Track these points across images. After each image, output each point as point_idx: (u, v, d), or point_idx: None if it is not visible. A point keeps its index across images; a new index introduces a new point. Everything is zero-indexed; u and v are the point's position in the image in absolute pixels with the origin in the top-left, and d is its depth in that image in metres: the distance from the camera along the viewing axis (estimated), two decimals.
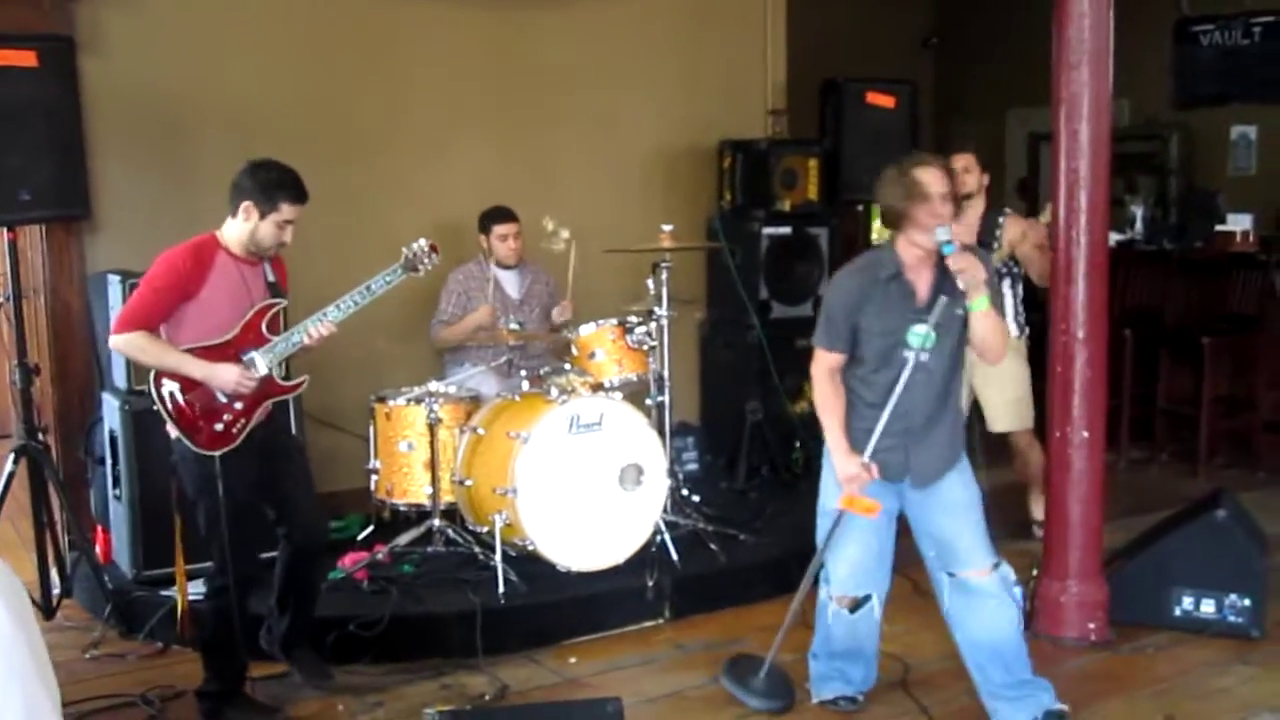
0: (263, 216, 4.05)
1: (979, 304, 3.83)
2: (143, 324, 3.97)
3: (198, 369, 4.00)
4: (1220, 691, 4.41)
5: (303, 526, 4.35)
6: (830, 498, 4.10)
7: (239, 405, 4.07)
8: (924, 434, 3.97)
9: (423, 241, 4.35)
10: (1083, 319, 4.76)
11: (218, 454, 4.01)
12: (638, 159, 7.16)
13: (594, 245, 5.99)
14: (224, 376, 4.02)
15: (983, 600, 3.98)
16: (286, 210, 4.06)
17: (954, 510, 4.00)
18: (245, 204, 4.05)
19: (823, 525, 4.15)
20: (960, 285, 3.81)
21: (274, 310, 4.17)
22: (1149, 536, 5.26)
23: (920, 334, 3.85)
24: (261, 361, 4.09)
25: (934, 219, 3.80)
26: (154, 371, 4.01)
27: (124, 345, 4.02)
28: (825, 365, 4.06)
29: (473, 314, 5.94)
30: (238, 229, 4.08)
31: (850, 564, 4.12)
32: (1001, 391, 5.73)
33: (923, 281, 3.93)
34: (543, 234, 5.86)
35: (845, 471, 3.97)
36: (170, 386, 4.00)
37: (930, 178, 3.83)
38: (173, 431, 4.08)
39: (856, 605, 4.15)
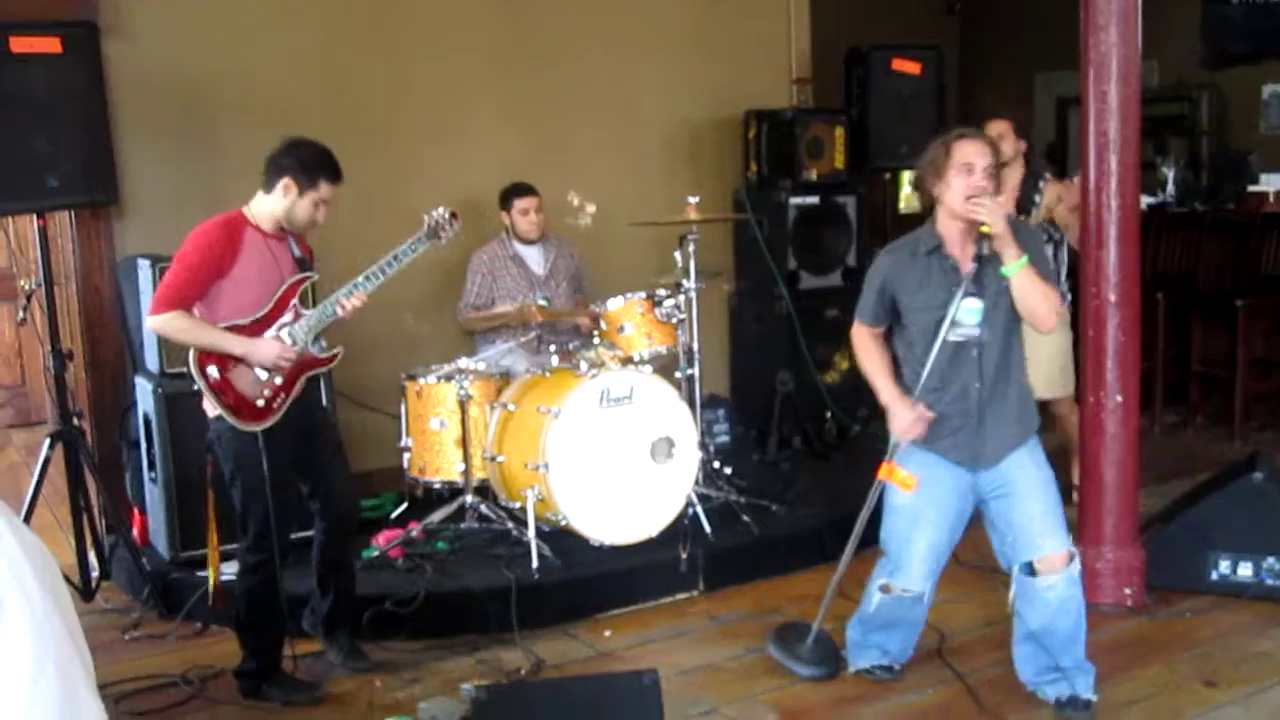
0: (301, 194, 4.06)
1: (1012, 267, 3.78)
2: (179, 303, 3.98)
3: (238, 345, 4.02)
4: (1260, 655, 4.38)
5: (336, 504, 4.37)
6: (899, 492, 4.03)
7: (279, 380, 4.10)
8: (990, 408, 3.90)
9: (443, 209, 4.37)
10: (1115, 282, 4.72)
11: (260, 429, 4.04)
12: (661, 131, 7.13)
13: (619, 219, 5.99)
14: (265, 352, 4.04)
15: (1052, 597, 3.90)
16: (325, 189, 4.08)
17: (1028, 491, 3.92)
18: (285, 180, 4.05)
19: (893, 522, 4.07)
20: (990, 243, 3.77)
21: (305, 284, 4.20)
22: (1185, 500, 5.23)
23: (970, 309, 3.81)
24: (299, 335, 4.12)
25: (975, 191, 3.76)
26: (193, 351, 4.02)
27: (163, 325, 4.02)
28: (862, 333, 4.10)
29: (498, 306, 5.94)
30: (271, 204, 4.09)
31: (920, 559, 4.03)
32: (1045, 359, 5.65)
33: (966, 255, 3.88)
34: (568, 209, 5.86)
35: (900, 420, 3.92)
36: (210, 364, 4.02)
37: (972, 151, 3.79)
38: (211, 410, 4.10)
39: (915, 597, 4.12)
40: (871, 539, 4.25)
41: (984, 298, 3.82)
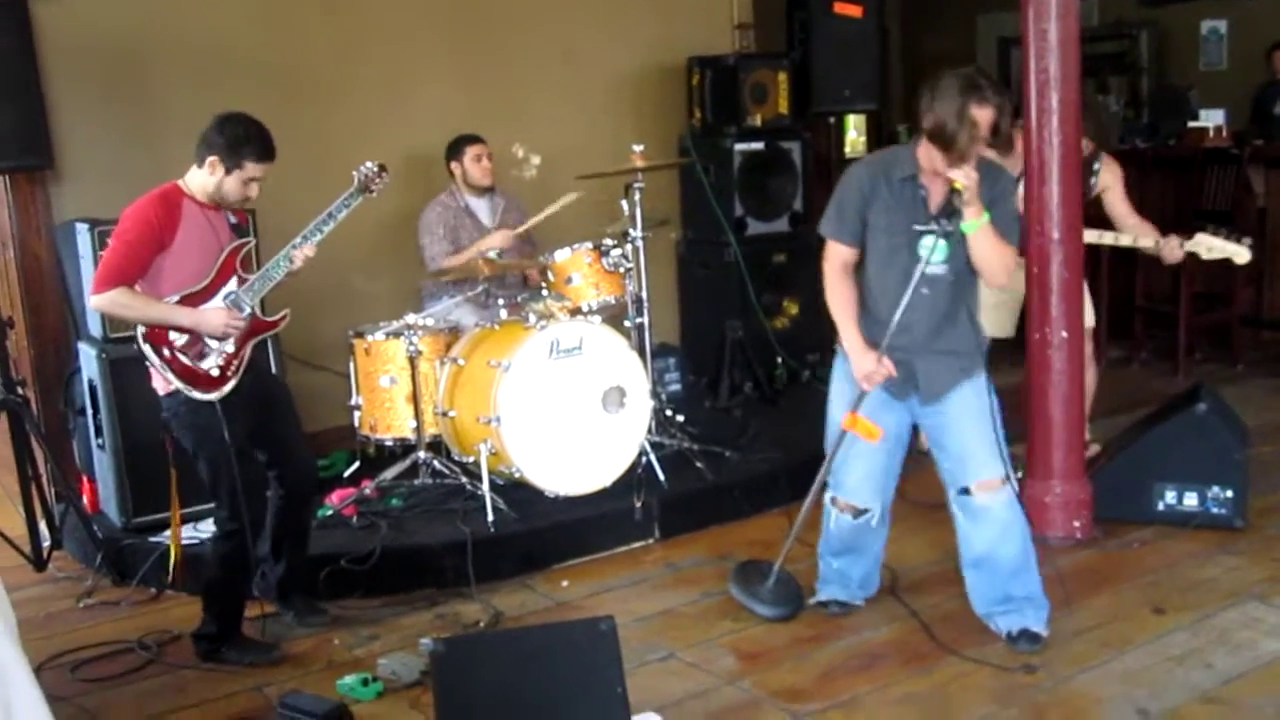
0: (228, 172, 4.01)
1: (970, 225, 3.74)
2: (121, 279, 3.92)
3: (185, 317, 3.99)
4: (1207, 581, 4.47)
5: (295, 469, 4.36)
6: (839, 409, 4.07)
7: (230, 348, 4.08)
8: (928, 346, 3.92)
9: (371, 163, 4.33)
10: (1058, 219, 4.76)
11: (217, 398, 4.01)
12: (604, 81, 7.09)
13: (565, 169, 5.95)
14: (213, 320, 4.02)
15: (988, 521, 3.97)
16: (251, 168, 4.03)
17: (965, 419, 3.96)
18: (211, 158, 4.01)
19: (831, 434, 4.13)
20: (959, 199, 3.72)
21: (245, 249, 4.18)
22: (1131, 434, 5.30)
23: (928, 246, 3.80)
24: (245, 300, 4.10)
25: (969, 154, 3.69)
26: (140, 328, 3.98)
27: (107, 304, 3.97)
28: (836, 259, 4.00)
29: (487, 238, 5.88)
30: (201, 180, 4.05)
31: (858, 475, 4.13)
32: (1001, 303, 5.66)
33: (937, 189, 3.85)
34: (513, 161, 5.82)
35: (862, 368, 3.92)
36: (160, 339, 3.98)
37: (985, 117, 3.67)
38: (161, 387, 4.07)
39: (858, 514, 4.19)
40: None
41: (950, 238, 3.81)
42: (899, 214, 3.87)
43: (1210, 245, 5.02)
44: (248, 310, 4.10)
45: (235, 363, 4.09)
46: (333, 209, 4.22)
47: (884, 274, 3.91)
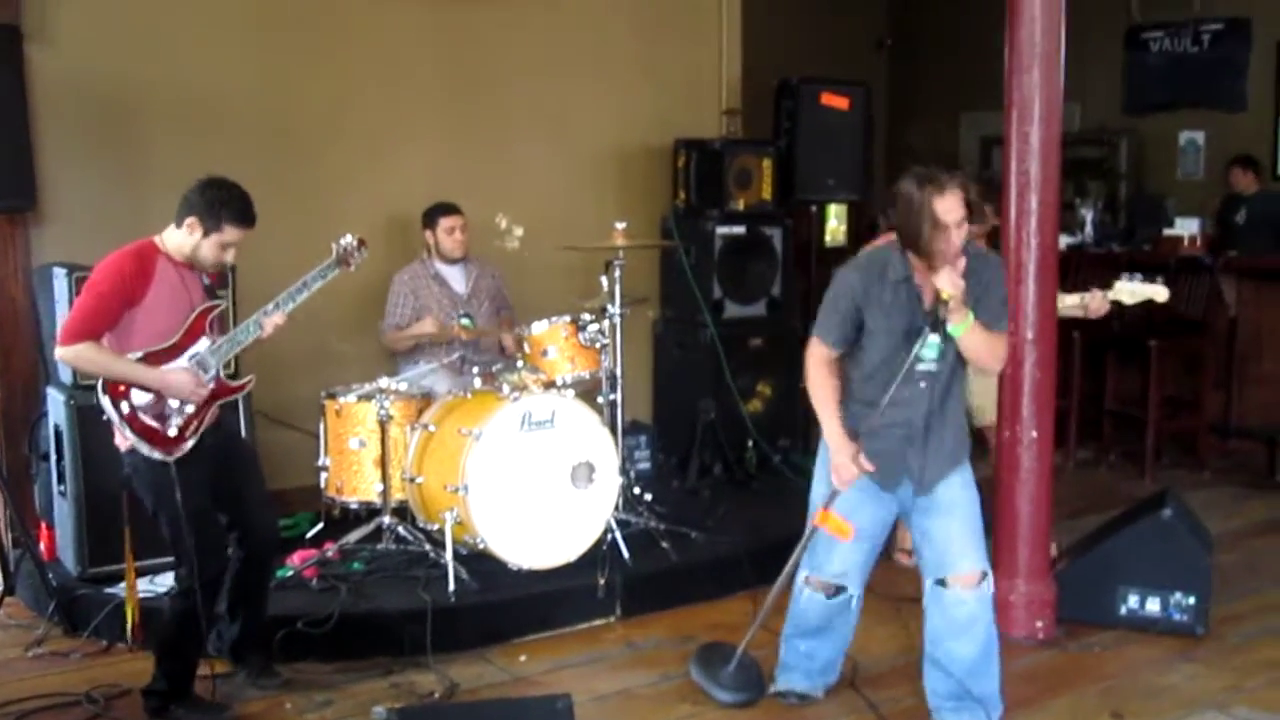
0: (205, 235, 4.01)
1: (959, 329, 3.77)
2: (88, 333, 3.90)
3: (152, 378, 3.97)
4: (1166, 689, 4.46)
5: (256, 531, 4.32)
6: (820, 497, 4.08)
7: (189, 409, 4.05)
8: (925, 438, 3.94)
9: (350, 237, 4.33)
10: (1032, 320, 4.80)
11: (173, 459, 3.98)
12: (591, 156, 7.15)
13: (547, 242, 5.99)
14: (179, 382, 4.00)
15: (960, 613, 3.96)
16: (230, 233, 4.02)
17: (950, 510, 3.97)
18: (190, 219, 4.01)
19: (811, 520, 4.13)
20: (943, 313, 3.74)
21: (215, 311, 4.16)
22: (1096, 536, 5.32)
23: (934, 343, 3.83)
24: (211, 362, 4.08)
25: (949, 247, 3.71)
26: (102, 381, 3.96)
27: (72, 357, 3.94)
28: (820, 356, 4.02)
29: (419, 323, 5.91)
30: (179, 240, 4.04)
31: (841, 558, 4.12)
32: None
33: (929, 289, 3.87)
34: (495, 231, 5.85)
35: (841, 462, 3.93)
36: (120, 395, 3.95)
37: (947, 207, 3.69)
38: (123, 443, 4.04)
39: (836, 593, 4.18)
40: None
41: (941, 334, 3.83)
42: (898, 315, 3.89)
43: (1132, 290, 5.10)
44: (212, 372, 4.08)
45: (195, 424, 4.06)
46: (308, 278, 4.22)
47: (884, 370, 3.91)
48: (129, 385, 3.95)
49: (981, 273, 3.87)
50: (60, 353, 3.97)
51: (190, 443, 4.03)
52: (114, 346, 3.96)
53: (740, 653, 4.31)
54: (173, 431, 4.01)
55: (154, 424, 3.99)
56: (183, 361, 4.04)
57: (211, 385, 4.08)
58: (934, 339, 3.82)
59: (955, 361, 3.94)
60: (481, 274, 6.15)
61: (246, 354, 4.23)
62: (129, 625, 4.60)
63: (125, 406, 3.96)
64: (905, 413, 3.90)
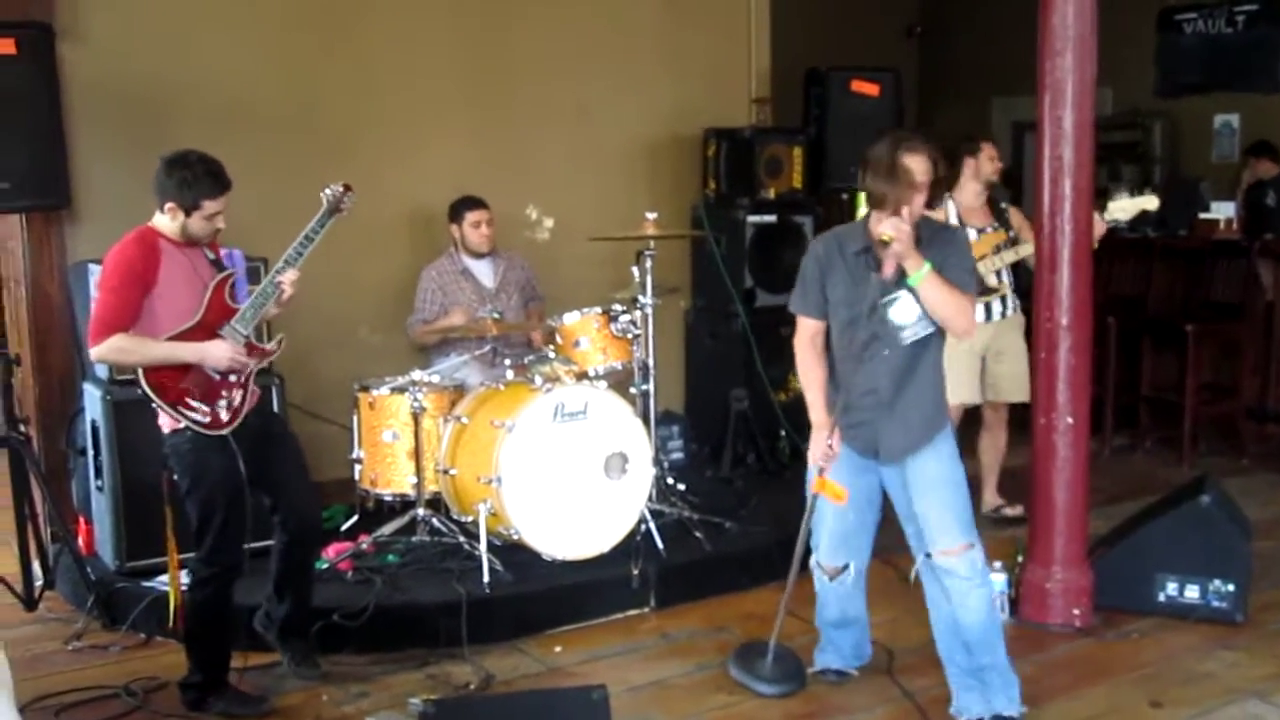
0: (187, 214, 4.02)
1: (915, 278, 3.79)
2: (116, 326, 3.91)
3: (189, 352, 3.99)
4: (1205, 676, 4.42)
5: (299, 512, 4.34)
6: (810, 473, 4.15)
7: (234, 378, 4.09)
8: (892, 407, 3.96)
9: (337, 185, 4.33)
10: (1067, 306, 4.76)
11: (227, 433, 4.02)
12: (621, 147, 7.14)
13: (578, 233, 5.99)
14: (217, 353, 4.03)
15: (951, 583, 3.96)
16: (209, 205, 4.03)
17: (926, 487, 3.99)
18: (169, 205, 4.02)
19: (808, 499, 4.19)
20: (893, 260, 3.77)
21: (231, 280, 4.18)
22: (1133, 522, 5.27)
23: (906, 307, 3.86)
24: (240, 330, 4.11)
25: (898, 209, 3.77)
26: (140, 372, 3.97)
27: (107, 352, 3.95)
28: (804, 333, 4.10)
29: (447, 317, 5.92)
30: (166, 223, 4.06)
31: (829, 534, 4.20)
32: (1019, 363, 5.85)
33: (890, 259, 3.85)
34: (526, 223, 5.85)
35: (815, 445, 4.05)
36: (164, 379, 3.97)
37: (917, 165, 3.79)
38: (168, 424, 4.06)
39: (837, 573, 4.23)
40: None
41: (901, 289, 3.86)
42: (857, 286, 3.92)
43: (1124, 207, 5.30)
44: (243, 340, 4.11)
45: (240, 393, 4.10)
46: (309, 230, 4.22)
47: (844, 343, 3.97)
48: (170, 367, 3.97)
49: (944, 244, 3.89)
50: (94, 352, 3.97)
51: (244, 414, 4.08)
52: (147, 333, 3.98)
53: (773, 645, 4.30)
54: (223, 405, 4.05)
55: (203, 401, 4.02)
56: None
57: (246, 355, 4.10)
58: (894, 306, 3.85)
59: (923, 332, 3.93)
60: (510, 266, 6.15)
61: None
62: (172, 612, 4.59)
63: (171, 389, 3.98)
64: (872, 382, 3.94)
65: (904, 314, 3.88)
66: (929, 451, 3.99)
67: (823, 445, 4.00)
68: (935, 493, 3.98)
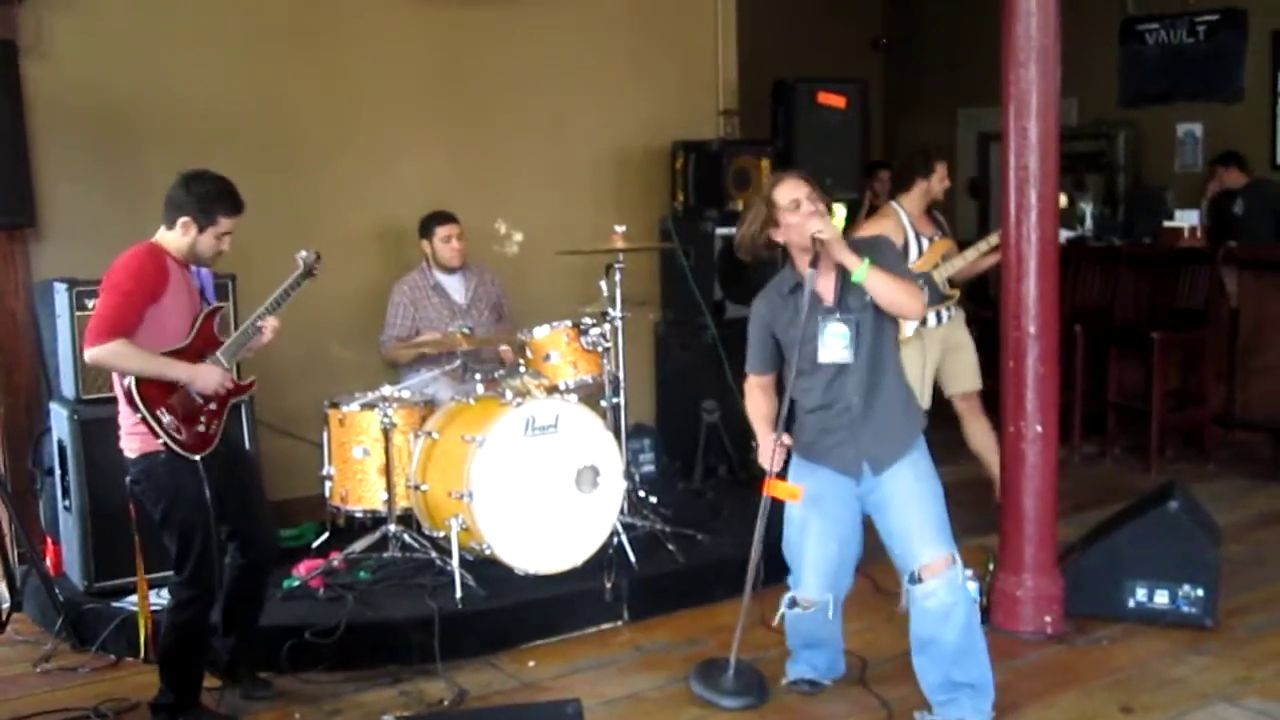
0: (201, 230, 4.03)
1: (859, 272, 3.91)
2: (121, 330, 3.86)
3: (182, 371, 3.98)
4: (1175, 681, 4.45)
5: (258, 539, 4.32)
6: (792, 507, 4.17)
7: (213, 405, 4.08)
8: (866, 418, 4.03)
9: (309, 251, 4.42)
10: (1034, 315, 4.79)
11: (200, 457, 4.00)
12: (589, 160, 7.15)
13: (546, 247, 5.99)
14: (209, 376, 4.03)
15: (932, 605, 3.98)
16: (224, 223, 4.06)
17: (907, 498, 4.03)
18: (183, 219, 4.02)
19: (788, 533, 4.24)
20: (821, 247, 3.91)
21: (220, 313, 4.21)
22: (1103, 529, 5.31)
23: (836, 333, 3.98)
24: (222, 361, 4.11)
25: (805, 221, 3.94)
26: (132, 381, 3.92)
27: (107, 354, 3.88)
28: (752, 384, 4.31)
29: (421, 338, 5.91)
30: (175, 240, 4.06)
31: (811, 568, 4.19)
32: (972, 353, 6.08)
33: (827, 286, 4.05)
34: (495, 237, 5.85)
35: (765, 450, 4.11)
36: (152, 393, 3.94)
37: (790, 188, 4.01)
38: (135, 450, 4.03)
39: (813, 605, 4.23)
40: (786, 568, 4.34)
41: (848, 323, 3.99)
42: (802, 322, 4.02)
43: None
44: (230, 372, 4.13)
45: (217, 421, 4.10)
46: (285, 288, 4.31)
47: (815, 376, 4.06)
48: (158, 383, 3.94)
49: (867, 250, 4.01)
50: (92, 353, 3.89)
51: (216, 440, 4.07)
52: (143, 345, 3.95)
53: (734, 660, 4.31)
54: (200, 428, 4.04)
55: (184, 422, 4.00)
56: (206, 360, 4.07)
57: (232, 384, 4.13)
58: (840, 328, 3.98)
59: (874, 346, 4.04)
60: (481, 282, 6.15)
61: (244, 362, 4.24)
62: (142, 639, 4.54)
63: (159, 406, 3.95)
64: (844, 400, 4.03)
65: (833, 340, 4.00)
66: (906, 464, 4.05)
67: (772, 444, 4.07)
68: (915, 504, 4.03)
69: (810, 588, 4.20)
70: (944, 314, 5.96)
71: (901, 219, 5.86)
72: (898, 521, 4.04)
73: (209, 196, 4.02)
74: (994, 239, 5.60)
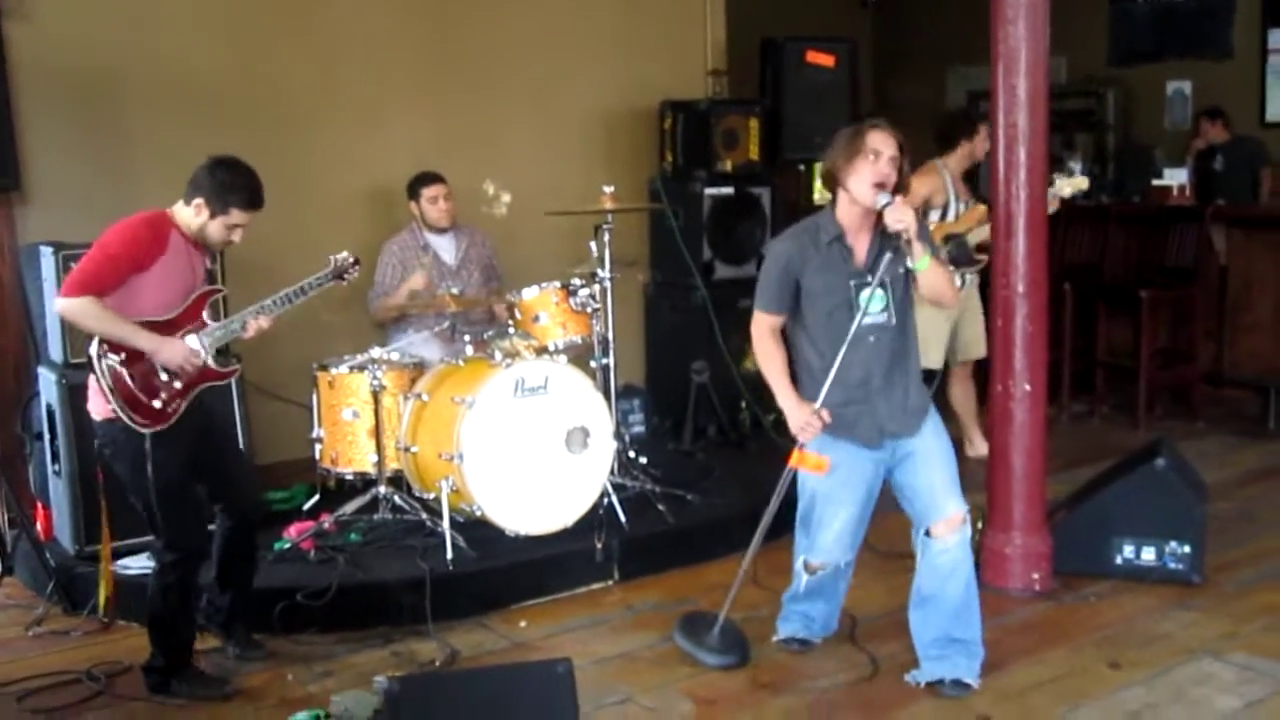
0: (212, 216, 4.02)
1: (922, 264, 3.88)
2: (94, 289, 3.86)
3: (147, 341, 3.95)
4: (1162, 637, 4.48)
5: (240, 498, 4.33)
6: (809, 476, 4.13)
7: (177, 385, 4.04)
8: (888, 389, 4.01)
9: (346, 254, 4.47)
10: (1023, 273, 4.79)
11: (149, 432, 3.97)
12: (578, 121, 7.13)
13: (535, 208, 5.97)
14: (172, 351, 3.99)
15: (944, 559, 4.02)
16: (237, 215, 4.04)
17: (929, 457, 4.05)
18: (198, 200, 4.01)
19: (806, 507, 4.21)
20: (902, 241, 3.84)
21: (216, 296, 4.18)
22: (1090, 487, 5.33)
23: (867, 297, 3.90)
24: (202, 344, 4.07)
25: (881, 178, 3.86)
26: (96, 341, 3.93)
27: (74, 309, 3.88)
28: (765, 325, 4.12)
29: (407, 281, 5.90)
30: (187, 217, 4.05)
31: (836, 538, 4.17)
32: (980, 323, 6.23)
33: (861, 244, 4.00)
34: (483, 198, 5.83)
35: (797, 421, 3.99)
36: (113, 358, 3.93)
37: (880, 139, 3.89)
38: (99, 412, 4.02)
39: (822, 569, 4.25)
40: (782, 527, 4.33)
41: (884, 287, 3.93)
42: (834, 274, 3.98)
43: (1062, 186, 5.58)
44: (203, 356, 4.08)
45: (178, 400, 4.05)
46: (305, 284, 4.30)
47: (829, 332, 3.99)
48: (121, 348, 3.93)
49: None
50: (62, 304, 3.91)
51: (171, 420, 4.02)
52: (117, 309, 3.93)
53: (722, 618, 4.32)
54: (157, 404, 3.99)
55: (141, 392, 3.97)
56: (180, 336, 4.04)
57: (201, 365, 4.08)
58: (878, 292, 3.91)
59: (904, 311, 4.02)
60: (472, 243, 6.13)
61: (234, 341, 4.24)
62: (102, 599, 4.62)
63: (116, 369, 3.93)
64: (862, 370, 3.98)
65: (873, 303, 3.92)
66: (929, 424, 4.07)
67: (805, 416, 3.96)
68: (938, 462, 4.05)
69: (828, 553, 4.20)
70: (967, 278, 5.97)
71: (944, 178, 5.90)
72: (922, 478, 4.05)
73: (228, 186, 4.00)
74: None
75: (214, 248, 4.17)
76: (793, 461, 4.04)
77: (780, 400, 4.09)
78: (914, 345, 4.11)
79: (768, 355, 4.12)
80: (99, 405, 4.02)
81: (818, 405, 3.95)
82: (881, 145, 3.88)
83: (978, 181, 6.30)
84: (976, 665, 4.06)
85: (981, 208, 5.98)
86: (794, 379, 4.11)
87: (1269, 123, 9.41)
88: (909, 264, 3.90)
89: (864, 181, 3.88)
